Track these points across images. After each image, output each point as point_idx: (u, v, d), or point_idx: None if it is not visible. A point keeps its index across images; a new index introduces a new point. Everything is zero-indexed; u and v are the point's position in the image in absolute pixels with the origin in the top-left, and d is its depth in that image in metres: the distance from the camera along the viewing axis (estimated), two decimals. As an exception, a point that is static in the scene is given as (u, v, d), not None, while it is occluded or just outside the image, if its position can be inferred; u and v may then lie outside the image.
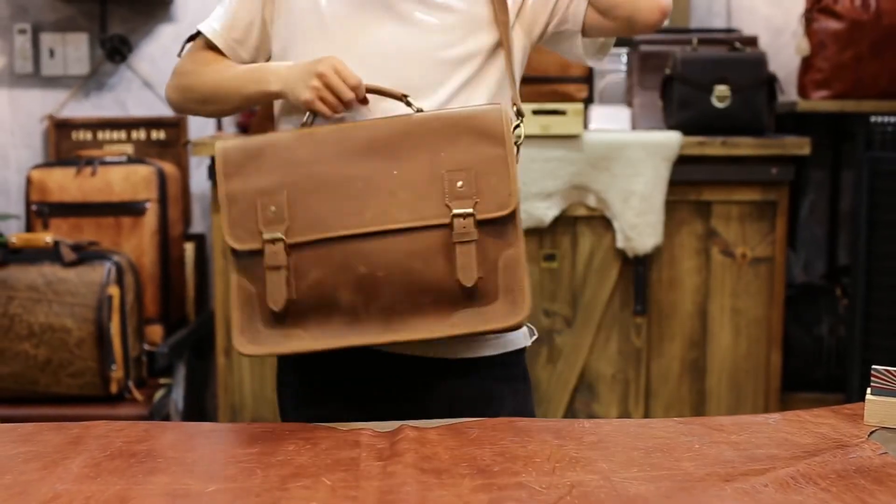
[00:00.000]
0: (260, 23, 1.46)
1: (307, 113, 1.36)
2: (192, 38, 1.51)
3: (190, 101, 1.50)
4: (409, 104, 1.34)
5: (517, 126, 1.38)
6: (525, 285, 1.30)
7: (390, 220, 1.28)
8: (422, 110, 1.33)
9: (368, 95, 1.36)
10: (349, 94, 1.33)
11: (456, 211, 1.28)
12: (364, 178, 1.29)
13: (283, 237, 1.29)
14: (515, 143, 1.36)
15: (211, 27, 1.48)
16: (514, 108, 1.42)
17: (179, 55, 1.52)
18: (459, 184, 1.29)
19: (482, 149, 1.31)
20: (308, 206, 1.29)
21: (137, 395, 2.57)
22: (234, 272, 1.33)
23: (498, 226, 1.30)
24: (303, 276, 1.29)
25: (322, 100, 1.34)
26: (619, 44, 2.83)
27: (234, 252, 1.33)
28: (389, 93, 1.36)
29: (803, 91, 2.81)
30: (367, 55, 1.38)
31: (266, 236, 1.29)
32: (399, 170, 1.30)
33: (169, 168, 2.91)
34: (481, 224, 1.29)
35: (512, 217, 1.30)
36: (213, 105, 1.49)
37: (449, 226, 1.28)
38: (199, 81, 1.47)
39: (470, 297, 1.29)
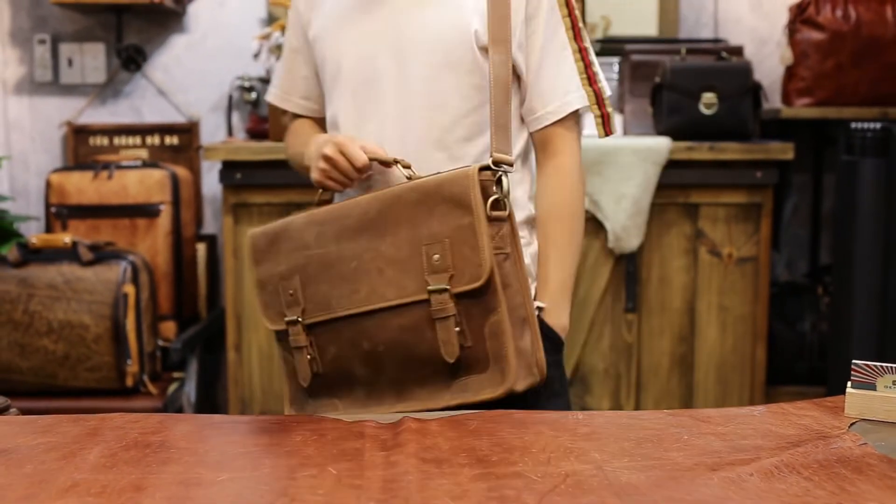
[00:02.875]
0: (312, 73, 1.50)
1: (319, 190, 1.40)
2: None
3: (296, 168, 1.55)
4: (405, 167, 1.31)
5: (498, 180, 1.25)
6: (510, 353, 1.22)
7: (379, 299, 1.25)
8: (412, 176, 1.29)
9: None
10: (354, 175, 1.33)
11: (431, 287, 1.21)
12: (356, 258, 1.28)
13: (301, 319, 1.33)
14: (499, 198, 1.24)
15: (273, 94, 1.57)
16: (492, 159, 1.27)
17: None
18: (436, 257, 1.22)
19: (454, 218, 1.22)
20: (316, 288, 1.31)
21: (152, 388, 2.57)
22: (278, 347, 1.40)
23: (477, 296, 1.22)
24: (324, 353, 1.33)
25: (330, 179, 1.35)
26: (610, 53, 2.84)
27: (275, 332, 1.39)
28: (384, 160, 1.32)
29: (787, 98, 2.81)
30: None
31: (287, 318, 1.34)
32: (384, 246, 1.26)
33: (182, 172, 2.91)
34: (460, 296, 1.21)
35: (488, 285, 1.21)
36: (297, 171, 1.54)
37: (428, 302, 1.22)
38: (289, 155, 1.57)
39: (459, 368, 1.23)
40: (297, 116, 1.58)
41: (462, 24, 1.35)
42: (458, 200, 1.22)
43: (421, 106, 1.37)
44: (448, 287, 1.21)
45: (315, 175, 1.36)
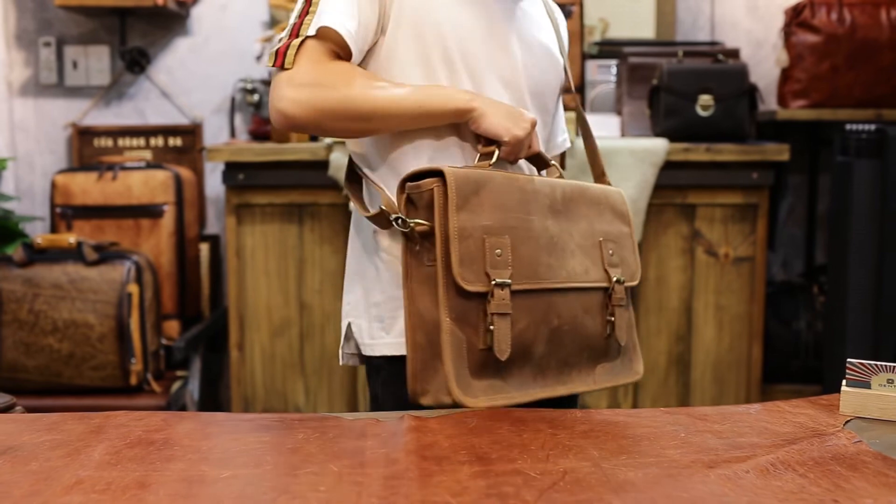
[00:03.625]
0: (376, 28, 1.28)
1: (494, 150, 1.26)
2: (292, 39, 1.24)
3: (340, 119, 1.24)
4: (559, 167, 1.39)
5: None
6: (637, 345, 1.42)
7: (577, 278, 1.28)
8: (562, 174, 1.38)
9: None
10: (523, 156, 1.32)
11: (616, 277, 1.34)
12: (557, 235, 1.27)
13: (511, 282, 1.17)
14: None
15: (346, 28, 1.24)
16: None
17: (282, 63, 1.23)
18: (610, 252, 1.34)
19: (618, 225, 1.38)
20: (524, 254, 1.20)
21: (155, 386, 2.57)
22: (447, 315, 1.14)
23: (629, 294, 1.38)
24: (514, 325, 1.18)
25: (522, 145, 1.28)
26: (608, 55, 2.84)
27: (455, 292, 1.14)
28: (543, 158, 1.37)
29: (782, 100, 2.81)
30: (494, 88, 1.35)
31: (497, 281, 1.16)
32: (573, 232, 1.30)
33: (185, 173, 2.91)
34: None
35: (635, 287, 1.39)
36: (375, 123, 1.25)
37: (606, 289, 1.33)
38: (357, 96, 1.23)
39: (614, 354, 1.36)
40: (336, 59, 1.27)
41: (559, 58, 1.47)
42: (619, 212, 1.40)
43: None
44: (624, 279, 1.35)
45: (521, 133, 1.26)
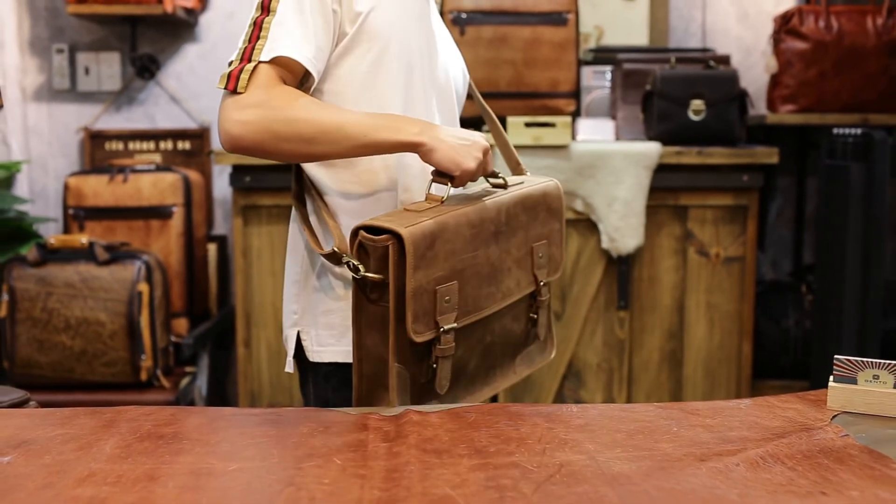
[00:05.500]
0: (329, 44, 1.26)
1: (446, 182, 1.22)
2: (244, 63, 1.20)
3: (285, 141, 1.18)
4: (503, 183, 1.32)
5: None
6: (552, 325, 1.44)
7: (510, 295, 1.29)
8: (505, 184, 1.31)
9: None
10: (477, 177, 1.25)
11: (544, 280, 1.35)
12: (497, 259, 1.26)
13: (455, 325, 1.17)
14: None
15: (303, 55, 1.21)
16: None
17: (235, 86, 1.18)
18: (540, 255, 1.35)
19: (550, 223, 1.38)
20: (468, 292, 1.20)
21: (165, 382, 2.57)
22: (395, 361, 1.14)
23: (546, 284, 1.38)
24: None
25: (474, 175, 1.23)
26: (603, 62, 2.84)
27: (405, 340, 1.13)
28: (496, 178, 1.30)
29: (772, 105, 2.81)
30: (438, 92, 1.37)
31: (445, 328, 1.16)
32: (510, 248, 1.29)
33: (194, 175, 2.91)
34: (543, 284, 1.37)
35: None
36: (320, 146, 1.20)
37: (533, 293, 1.35)
38: (304, 118, 1.18)
39: (531, 343, 1.38)
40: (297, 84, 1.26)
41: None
42: (553, 209, 1.38)
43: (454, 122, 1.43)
44: (549, 280, 1.37)
45: (472, 164, 1.20)
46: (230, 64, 1.22)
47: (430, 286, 1.14)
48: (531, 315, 1.37)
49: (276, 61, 1.20)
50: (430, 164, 1.22)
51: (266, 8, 1.23)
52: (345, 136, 1.19)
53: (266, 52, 1.20)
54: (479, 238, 1.22)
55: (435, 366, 1.17)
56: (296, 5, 1.22)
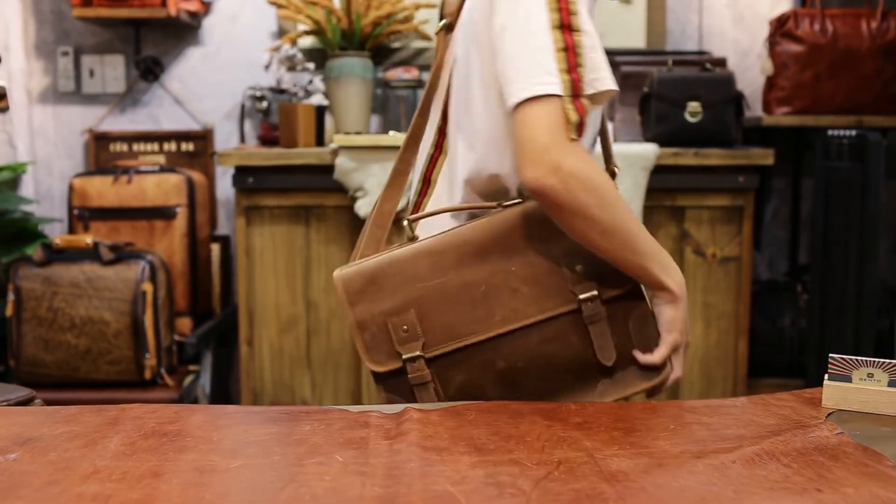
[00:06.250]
0: None
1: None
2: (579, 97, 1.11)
3: (594, 221, 1.12)
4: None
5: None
6: (656, 340, 1.21)
7: (520, 318, 1.18)
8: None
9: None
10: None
11: (581, 297, 1.18)
12: (484, 282, 1.19)
13: (422, 354, 1.17)
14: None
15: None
16: None
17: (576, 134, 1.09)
18: (578, 267, 1.19)
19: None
20: (437, 318, 1.18)
21: (168, 380, 2.57)
22: (380, 389, 1.20)
23: (625, 298, 1.20)
24: (449, 383, 1.19)
25: (674, 358, 1.22)
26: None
27: (377, 374, 1.19)
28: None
29: (767, 107, 2.81)
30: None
31: (407, 356, 1.17)
32: (515, 266, 1.19)
33: (197, 176, 2.91)
34: (608, 301, 1.19)
35: (636, 286, 1.20)
36: (606, 239, 1.14)
37: (577, 311, 1.18)
38: (621, 217, 1.14)
39: (606, 367, 1.20)
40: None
41: None
42: None
43: None
44: (598, 293, 1.18)
45: (682, 341, 1.20)
46: (540, 84, 1.10)
47: (379, 318, 1.17)
48: (583, 335, 1.20)
49: (597, 98, 1.14)
50: (662, 313, 1.21)
51: (567, 26, 1.13)
52: (632, 249, 1.17)
53: (589, 84, 1.13)
54: (444, 264, 1.18)
55: (416, 395, 1.18)
56: (588, 22, 1.16)
